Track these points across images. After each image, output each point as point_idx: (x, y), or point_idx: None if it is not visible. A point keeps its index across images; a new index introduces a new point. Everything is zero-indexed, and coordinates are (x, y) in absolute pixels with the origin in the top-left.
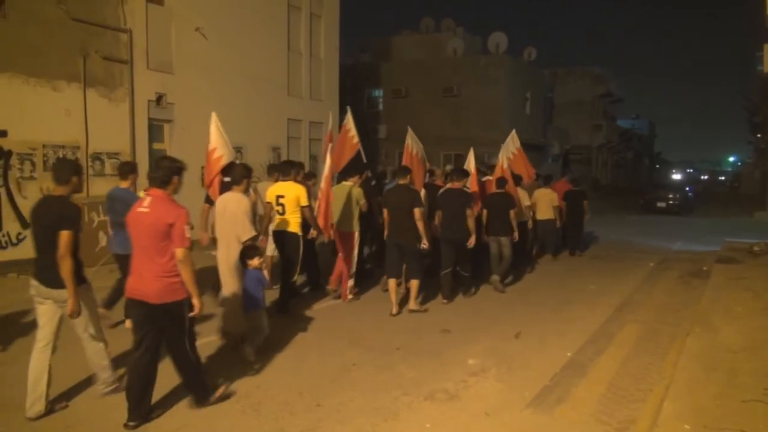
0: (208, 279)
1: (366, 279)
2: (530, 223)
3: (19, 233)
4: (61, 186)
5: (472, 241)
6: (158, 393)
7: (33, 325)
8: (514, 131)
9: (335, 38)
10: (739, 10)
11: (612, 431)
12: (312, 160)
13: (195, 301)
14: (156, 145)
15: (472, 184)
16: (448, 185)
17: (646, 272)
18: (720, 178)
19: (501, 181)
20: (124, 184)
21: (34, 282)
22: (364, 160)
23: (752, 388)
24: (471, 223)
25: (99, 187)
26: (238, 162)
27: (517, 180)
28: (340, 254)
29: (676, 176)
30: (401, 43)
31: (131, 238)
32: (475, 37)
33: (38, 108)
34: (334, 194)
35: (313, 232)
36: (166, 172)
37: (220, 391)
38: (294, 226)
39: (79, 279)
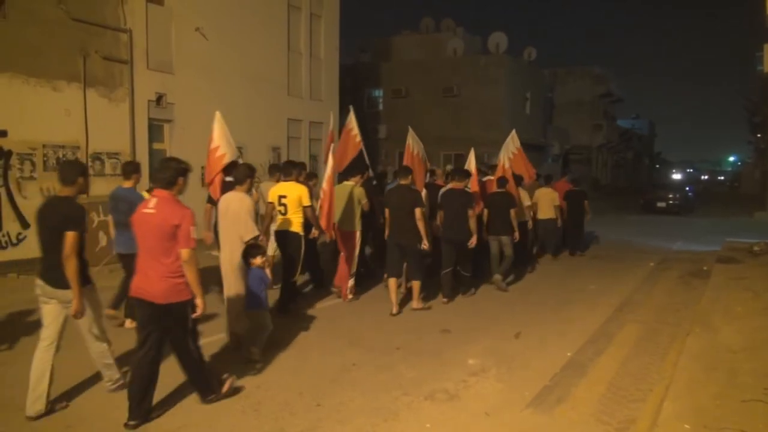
0: (210, 279)
1: (368, 279)
2: (530, 224)
3: (19, 233)
4: (67, 187)
5: (473, 242)
6: (159, 393)
7: (33, 325)
8: (514, 131)
9: (335, 38)
10: (739, 10)
11: (612, 431)
12: (312, 160)
13: (198, 302)
14: (156, 145)
15: (472, 184)
16: (450, 185)
17: (646, 272)
18: (719, 178)
19: (502, 181)
20: (128, 184)
21: (39, 282)
22: (367, 160)
23: (752, 388)
24: (473, 224)
25: (99, 187)
26: (240, 161)
27: (519, 180)
28: (342, 254)
29: (676, 176)
30: (401, 43)
31: (137, 239)
32: (475, 37)
33: (38, 108)
34: (336, 194)
35: (314, 232)
36: (172, 173)
37: (227, 385)
38: (296, 226)
39: (84, 279)
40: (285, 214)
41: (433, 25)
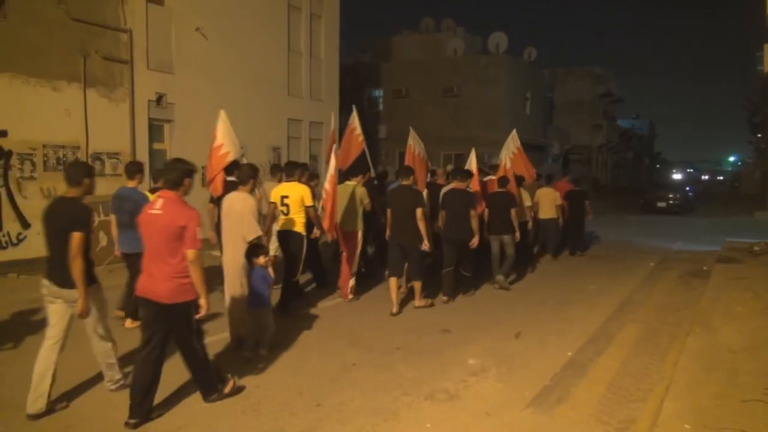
0: (212, 279)
1: (369, 279)
2: (530, 224)
3: (20, 233)
4: (73, 188)
5: (475, 242)
6: (160, 393)
7: (33, 325)
8: (514, 131)
9: (335, 38)
10: (739, 10)
11: (612, 431)
12: (312, 159)
13: (202, 302)
14: (156, 145)
15: (474, 184)
16: (452, 185)
17: (646, 272)
18: (718, 178)
19: (503, 181)
20: (131, 184)
21: (45, 282)
22: (369, 160)
23: (752, 387)
24: (475, 224)
25: (99, 187)
26: (244, 160)
27: (520, 180)
28: (344, 254)
29: (677, 176)
30: (401, 43)
31: (143, 239)
32: (475, 37)
33: (38, 108)
34: (338, 194)
35: (316, 232)
36: (179, 174)
37: (230, 386)
38: (299, 226)
39: (90, 279)
40: (287, 214)
41: (433, 25)
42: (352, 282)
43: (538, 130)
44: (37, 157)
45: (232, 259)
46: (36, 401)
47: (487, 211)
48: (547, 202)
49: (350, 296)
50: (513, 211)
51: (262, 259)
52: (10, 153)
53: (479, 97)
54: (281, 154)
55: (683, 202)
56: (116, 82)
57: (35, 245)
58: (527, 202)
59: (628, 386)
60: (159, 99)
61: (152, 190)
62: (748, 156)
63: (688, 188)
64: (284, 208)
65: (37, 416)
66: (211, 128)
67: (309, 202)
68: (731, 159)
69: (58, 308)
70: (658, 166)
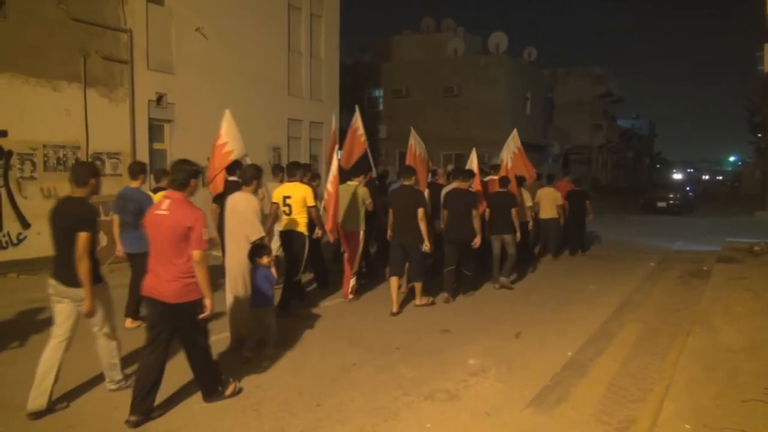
0: (215, 279)
1: (370, 279)
2: (531, 224)
3: (20, 233)
4: (79, 188)
5: (477, 242)
6: (161, 393)
7: (33, 325)
8: (515, 131)
9: (335, 38)
10: (739, 10)
11: (612, 431)
12: (312, 159)
13: (207, 302)
14: (156, 145)
15: (475, 184)
16: (454, 185)
17: (646, 272)
18: (718, 177)
19: (504, 181)
20: (135, 184)
21: (52, 281)
22: (370, 160)
23: (752, 387)
24: (477, 224)
25: None
26: (248, 160)
27: (521, 181)
28: (345, 254)
29: (677, 176)
30: (401, 43)
31: (149, 240)
32: (476, 37)
33: (38, 108)
34: (340, 193)
35: (318, 232)
36: (185, 175)
37: (231, 389)
38: (301, 226)
39: (96, 278)
40: (290, 214)
41: (433, 25)
42: (353, 282)
43: (538, 130)
44: (38, 157)
45: (236, 259)
46: (37, 398)
47: (488, 211)
48: (548, 202)
49: (351, 296)
50: (514, 211)
51: (265, 259)
52: (10, 153)
53: (479, 97)
54: (281, 154)
55: (683, 202)
56: (116, 82)
57: (35, 245)
58: (528, 202)
59: (628, 386)
60: (159, 99)
61: (155, 190)
62: (749, 156)
63: (688, 188)
64: (287, 209)
65: (37, 414)
66: (211, 128)
67: (311, 202)
68: (731, 159)
69: (64, 307)
70: (658, 166)
